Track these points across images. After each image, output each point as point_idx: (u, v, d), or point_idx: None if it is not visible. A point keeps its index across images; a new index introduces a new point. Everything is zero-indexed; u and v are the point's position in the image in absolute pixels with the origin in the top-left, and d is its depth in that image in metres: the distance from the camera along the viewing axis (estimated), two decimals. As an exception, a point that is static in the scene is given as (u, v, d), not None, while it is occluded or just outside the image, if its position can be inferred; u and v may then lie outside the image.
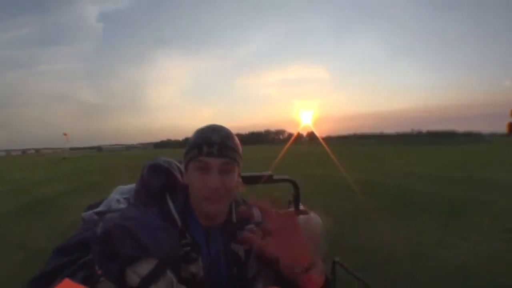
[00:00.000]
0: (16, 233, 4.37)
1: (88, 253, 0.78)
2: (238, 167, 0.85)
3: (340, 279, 1.23)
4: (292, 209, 1.58)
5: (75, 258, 0.79)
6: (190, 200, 0.87)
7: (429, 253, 3.36)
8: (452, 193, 6.69)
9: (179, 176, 0.91)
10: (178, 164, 0.96)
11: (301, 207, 1.60)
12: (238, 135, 1.16)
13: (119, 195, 1.02)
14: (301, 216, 1.54)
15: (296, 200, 1.57)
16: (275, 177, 1.54)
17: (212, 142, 0.80)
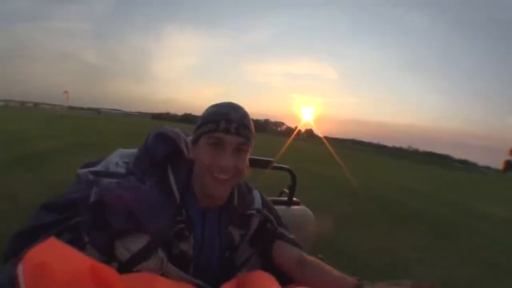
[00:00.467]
0: (4, 185, 4.32)
1: (77, 214, 0.76)
2: (251, 150, 0.82)
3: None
4: (284, 198, 1.60)
5: (63, 218, 0.77)
6: (192, 176, 0.84)
7: (406, 268, 3.40)
8: (441, 214, 6.73)
9: (185, 149, 0.88)
10: (185, 137, 0.93)
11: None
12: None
13: (118, 158, 0.98)
14: (294, 207, 1.56)
15: (292, 190, 1.58)
16: (275, 164, 1.55)
17: (231, 119, 0.76)
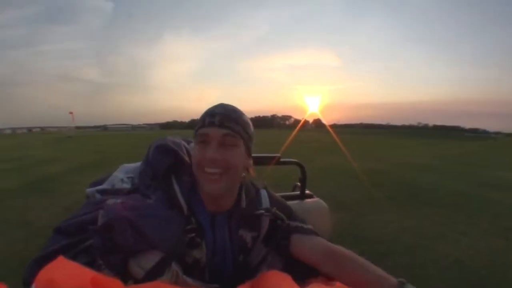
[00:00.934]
0: (19, 210, 4.38)
1: (89, 237, 0.75)
2: (245, 144, 0.80)
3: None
4: (297, 192, 1.58)
5: (76, 241, 0.77)
6: (196, 182, 0.83)
7: (429, 246, 3.35)
8: (455, 188, 6.65)
9: (186, 158, 0.87)
10: (187, 146, 0.93)
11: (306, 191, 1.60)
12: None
13: (123, 174, 0.99)
14: (308, 200, 1.54)
15: (303, 184, 1.56)
16: (282, 159, 1.53)
17: (215, 113, 0.77)
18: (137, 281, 0.71)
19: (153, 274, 0.70)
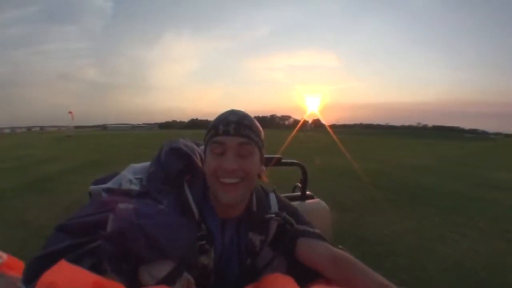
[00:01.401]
0: (17, 210, 4.36)
1: (94, 237, 0.74)
2: (259, 151, 0.80)
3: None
4: (297, 193, 1.57)
5: (80, 242, 0.75)
6: (209, 188, 0.82)
7: (428, 247, 3.35)
8: (455, 189, 6.65)
9: (199, 162, 0.86)
10: (198, 149, 0.92)
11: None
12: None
13: (131, 174, 0.97)
14: (308, 201, 1.54)
15: (304, 185, 1.56)
16: (283, 160, 1.52)
17: (229, 121, 0.75)
18: None
19: (164, 283, 0.69)
